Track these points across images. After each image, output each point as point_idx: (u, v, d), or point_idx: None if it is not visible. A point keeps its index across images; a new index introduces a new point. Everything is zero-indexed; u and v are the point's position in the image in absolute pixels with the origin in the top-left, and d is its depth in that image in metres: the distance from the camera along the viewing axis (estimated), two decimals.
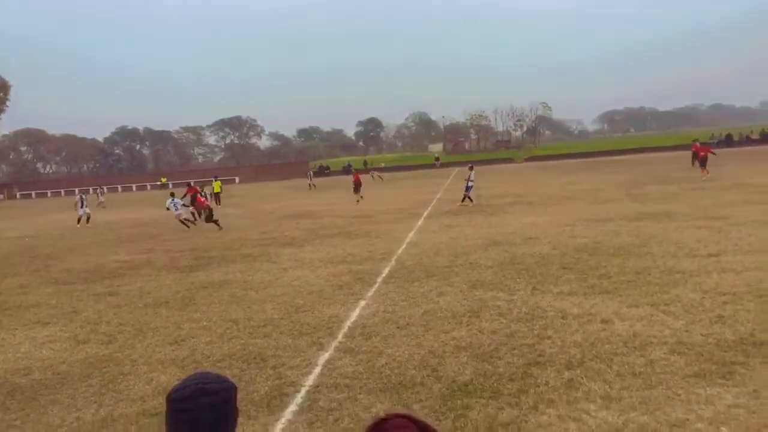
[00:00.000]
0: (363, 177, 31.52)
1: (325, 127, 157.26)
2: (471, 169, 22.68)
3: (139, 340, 7.41)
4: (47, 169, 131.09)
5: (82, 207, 24.72)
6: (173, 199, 21.00)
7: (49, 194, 74.67)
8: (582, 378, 5.16)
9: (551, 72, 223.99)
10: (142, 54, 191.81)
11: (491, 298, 8.14)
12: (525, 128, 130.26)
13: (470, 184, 21.75)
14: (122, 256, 15.00)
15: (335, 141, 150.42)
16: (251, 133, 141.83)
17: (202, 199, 21.12)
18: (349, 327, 7.30)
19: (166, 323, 8.15)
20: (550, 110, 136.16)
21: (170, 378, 6.02)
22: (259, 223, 20.79)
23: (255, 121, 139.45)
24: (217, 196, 32.20)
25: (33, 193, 76.68)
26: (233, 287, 10.18)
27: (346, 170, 75.89)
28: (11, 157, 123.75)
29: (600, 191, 23.72)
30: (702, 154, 27.54)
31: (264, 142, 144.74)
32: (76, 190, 33.06)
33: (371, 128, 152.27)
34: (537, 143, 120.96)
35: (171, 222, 21.85)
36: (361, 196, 28.26)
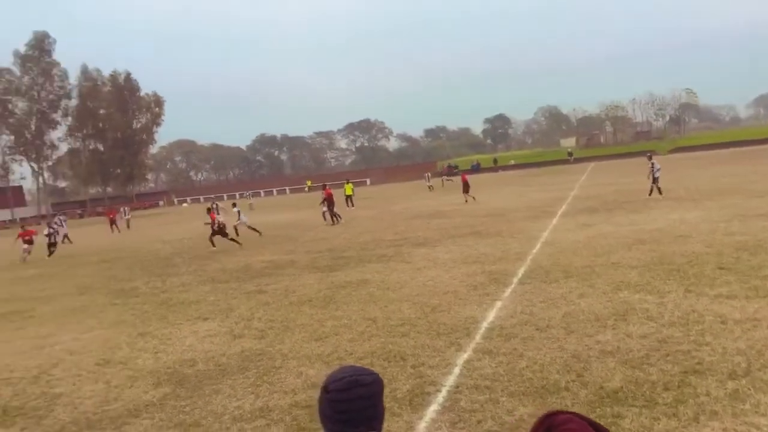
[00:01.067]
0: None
1: (452, 126, 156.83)
2: (650, 158, 21.62)
3: (287, 336, 7.88)
4: (199, 176, 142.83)
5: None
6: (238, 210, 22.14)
7: (201, 199, 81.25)
8: (749, 389, 4.75)
9: (691, 51, 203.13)
10: (277, 66, 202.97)
11: (638, 301, 7.71)
12: (667, 117, 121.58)
13: (656, 174, 20.68)
14: (267, 256, 16.01)
15: (462, 140, 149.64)
16: (380, 136, 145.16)
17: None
18: (486, 328, 7.26)
19: (310, 320, 8.59)
20: (696, 96, 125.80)
21: (317, 372, 6.34)
22: (391, 224, 21.23)
23: (383, 123, 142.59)
24: (349, 198, 33.19)
25: (188, 198, 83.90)
26: (370, 287, 10.49)
27: (474, 168, 75.24)
28: (168, 166, 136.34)
29: (757, 183, 21.57)
30: None
31: (392, 144, 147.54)
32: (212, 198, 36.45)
33: (499, 125, 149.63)
34: (682, 133, 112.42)
35: (309, 224, 22.94)
36: (473, 197, 27.88)
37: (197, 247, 20.43)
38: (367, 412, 1.58)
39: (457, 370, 5.94)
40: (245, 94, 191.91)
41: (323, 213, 24.75)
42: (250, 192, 56.65)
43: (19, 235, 23.04)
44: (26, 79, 73.48)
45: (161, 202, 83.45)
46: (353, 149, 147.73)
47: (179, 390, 6.28)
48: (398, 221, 22.15)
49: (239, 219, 22.21)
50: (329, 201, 23.93)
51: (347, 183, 35.29)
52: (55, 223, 28.40)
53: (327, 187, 25.29)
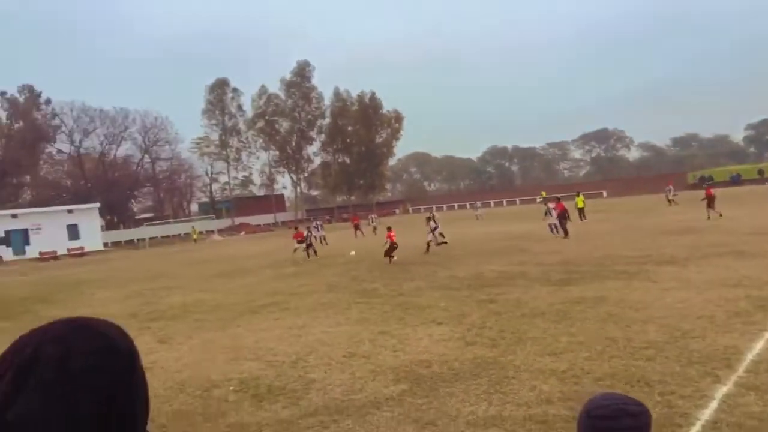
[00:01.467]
0: None
1: (705, 133, 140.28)
2: None
3: (519, 348, 7.79)
4: (431, 186, 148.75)
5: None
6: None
7: (434, 208, 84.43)
8: None
9: None
10: (508, 78, 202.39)
11: None
12: None
13: None
14: (498, 266, 16.02)
15: (719, 148, 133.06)
16: (618, 145, 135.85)
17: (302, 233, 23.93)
18: (751, 360, 6.36)
19: (543, 334, 8.38)
20: None
21: (551, 388, 6.17)
22: (631, 239, 19.75)
23: (623, 132, 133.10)
24: (581, 211, 31.74)
25: (421, 207, 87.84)
26: (608, 305, 9.88)
27: (734, 181, 66.51)
28: (404, 177, 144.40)
29: None
30: None
31: (633, 154, 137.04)
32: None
33: (765, 131, 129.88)
34: None
35: (539, 235, 22.43)
36: (719, 213, 24.38)
37: (430, 254, 21.25)
38: None
39: (714, 404, 5.30)
40: (478, 107, 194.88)
41: (550, 225, 24.04)
42: (479, 203, 57.11)
43: (294, 237, 27.44)
44: (290, 102, 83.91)
45: (397, 210, 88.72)
46: (588, 160, 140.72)
47: (416, 388, 6.60)
48: (639, 236, 20.52)
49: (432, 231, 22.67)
50: (562, 214, 23.19)
51: (578, 195, 33.76)
52: (314, 227, 33.02)
53: (560, 201, 24.58)
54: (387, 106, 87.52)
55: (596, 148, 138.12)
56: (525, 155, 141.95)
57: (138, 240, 64.40)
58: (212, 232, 69.35)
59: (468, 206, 49.71)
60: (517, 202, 78.40)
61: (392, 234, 20.86)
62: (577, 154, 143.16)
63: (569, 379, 6.42)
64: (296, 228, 29.44)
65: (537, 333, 8.47)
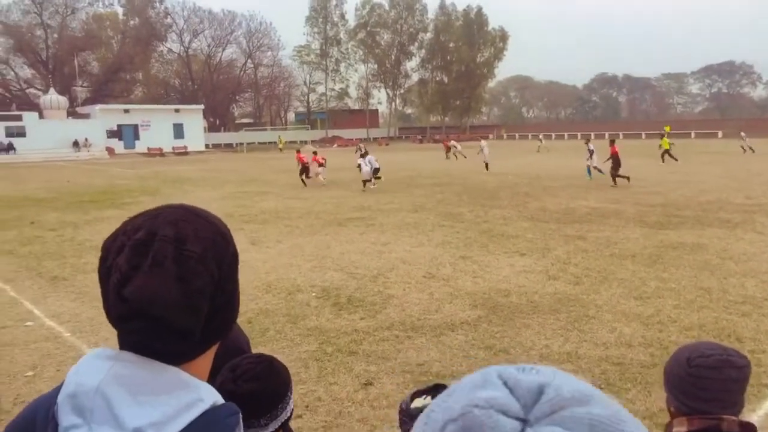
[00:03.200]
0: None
1: None
2: None
3: (604, 288, 7.59)
4: (530, 113, 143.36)
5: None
6: (367, 158, 20.96)
7: (529, 137, 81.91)
8: None
9: None
10: None
11: None
12: None
13: None
14: (591, 202, 15.44)
15: None
16: (744, 81, 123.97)
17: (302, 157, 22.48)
18: None
19: (631, 276, 8.10)
20: None
21: (633, 332, 6.01)
22: (744, 185, 18.35)
23: (751, 67, 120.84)
24: (667, 153, 28.99)
25: (516, 134, 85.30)
26: (707, 253, 9.35)
27: None
28: (502, 101, 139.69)
29: None
30: None
31: (759, 92, 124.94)
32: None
33: None
34: None
35: (639, 173, 21.29)
36: None
37: (520, 184, 20.77)
38: (734, 396, 1.44)
39: None
40: (588, 29, 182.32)
41: (588, 167, 22.11)
42: (541, 135, 52.07)
43: (313, 159, 23.78)
44: (393, 13, 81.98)
45: (491, 135, 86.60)
46: (707, 95, 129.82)
47: (492, 316, 6.62)
48: (754, 183, 19.04)
49: (590, 160, 21.42)
50: (615, 159, 20.71)
51: (662, 138, 31.06)
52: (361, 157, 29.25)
53: (614, 143, 21.43)
54: (493, 23, 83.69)
55: (718, 83, 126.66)
56: (636, 86, 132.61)
57: (236, 144, 66.90)
58: (305, 142, 70.89)
59: (540, 138, 45.93)
60: (620, 135, 74.35)
61: (301, 156, 22.43)
62: (695, 88, 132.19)
63: (653, 325, 6.23)
64: (297, 150, 25.12)
65: (625, 275, 8.20)
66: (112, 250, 0.87)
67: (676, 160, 27.80)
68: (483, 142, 28.42)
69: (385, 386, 4.97)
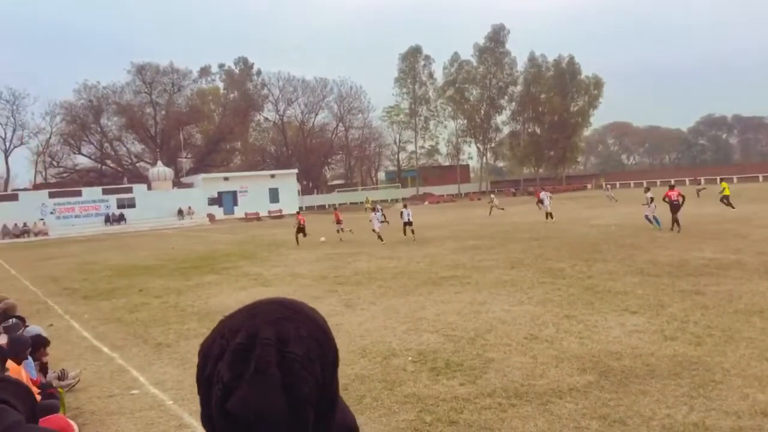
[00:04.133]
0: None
1: None
2: None
3: (730, 349, 6.82)
4: (630, 160, 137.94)
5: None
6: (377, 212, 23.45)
7: (632, 185, 78.54)
8: None
9: None
10: (727, 34, 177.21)
11: None
12: None
13: None
14: (707, 253, 14.28)
15: None
16: None
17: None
18: None
19: (761, 335, 7.26)
20: None
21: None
22: None
23: None
24: (726, 199, 27.00)
25: (617, 183, 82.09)
26: None
27: None
28: (599, 149, 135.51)
29: None
30: None
31: None
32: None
33: None
34: None
35: (761, 220, 19.60)
36: None
37: (626, 235, 19.68)
38: None
39: None
40: (689, 70, 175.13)
41: (646, 216, 21.44)
42: (608, 185, 49.78)
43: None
44: (481, 69, 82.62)
45: (589, 185, 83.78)
46: None
47: (603, 381, 6.07)
48: None
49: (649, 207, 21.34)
50: (673, 204, 19.68)
51: (723, 182, 28.94)
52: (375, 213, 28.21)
53: (673, 187, 20.56)
54: (586, 71, 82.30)
55: None
56: (748, 126, 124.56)
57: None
58: (397, 200, 71.69)
59: (607, 187, 44.17)
60: (734, 179, 69.73)
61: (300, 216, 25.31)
62: None
63: None
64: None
65: (753, 333, 7.36)
66: (211, 356, 0.82)
67: (733, 207, 25.55)
68: (543, 194, 28.91)
69: None
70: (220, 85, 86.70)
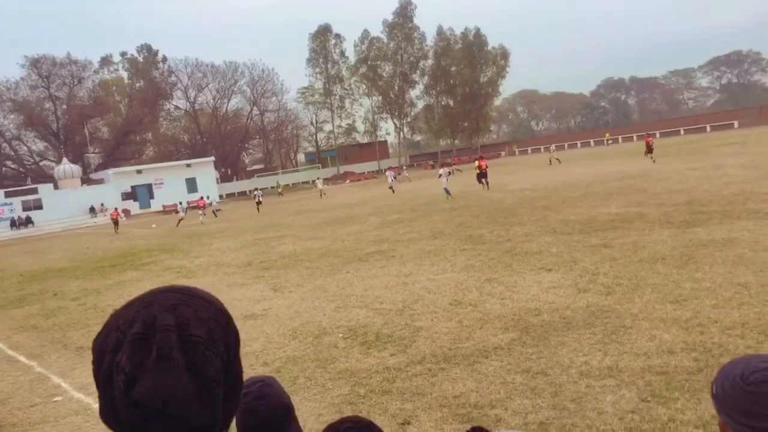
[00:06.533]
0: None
1: None
2: None
3: (637, 295, 7.34)
4: (539, 126, 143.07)
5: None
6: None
7: (541, 150, 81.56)
8: None
9: None
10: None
11: None
12: None
13: None
14: (612, 209, 15.16)
15: None
16: (753, 69, 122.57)
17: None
18: None
19: (664, 280, 7.84)
20: None
21: (674, 338, 5.78)
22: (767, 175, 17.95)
23: (759, 54, 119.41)
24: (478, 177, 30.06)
25: (529, 149, 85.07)
26: (740, 247, 9.05)
27: None
28: (510, 117, 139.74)
29: None
30: None
31: None
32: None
33: None
34: None
35: (660, 174, 20.93)
36: None
37: (537, 198, 20.54)
38: None
39: None
40: (591, 36, 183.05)
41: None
42: (553, 146, 52.09)
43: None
44: (392, 45, 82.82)
45: (503, 153, 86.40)
46: (717, 87, 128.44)
47: (525, 337, 6.40)
48: None
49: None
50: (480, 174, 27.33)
51: (476, 160, 31.70)
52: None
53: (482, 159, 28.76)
54: (492, 42, 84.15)
55: (727, 74, 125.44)
56: (644, 86, 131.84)
57: (249, 191, 67.54)
58: (317, 181, 71.38)
59: (552, 149, 46.43)
60: (634, 138, 73.78)
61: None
62: (704, 81, 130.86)
63: (694, 328, 5.98)
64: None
65: (657, 279, 7.94)
66: (107, 350, 0.79)
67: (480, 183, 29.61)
68: (441, 170, 30.57)
69: (423, 424, 4.78)
70: (124, 74, 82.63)
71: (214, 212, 38.31)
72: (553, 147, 49.02)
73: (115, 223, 37.97)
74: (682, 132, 68.16)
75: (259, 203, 38.90)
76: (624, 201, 16.34)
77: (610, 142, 72.64)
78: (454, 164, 60.35)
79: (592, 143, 75.45)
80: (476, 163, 30.10)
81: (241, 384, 0.89)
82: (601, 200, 17.23)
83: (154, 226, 24.53)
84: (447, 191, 26.07)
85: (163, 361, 0.75)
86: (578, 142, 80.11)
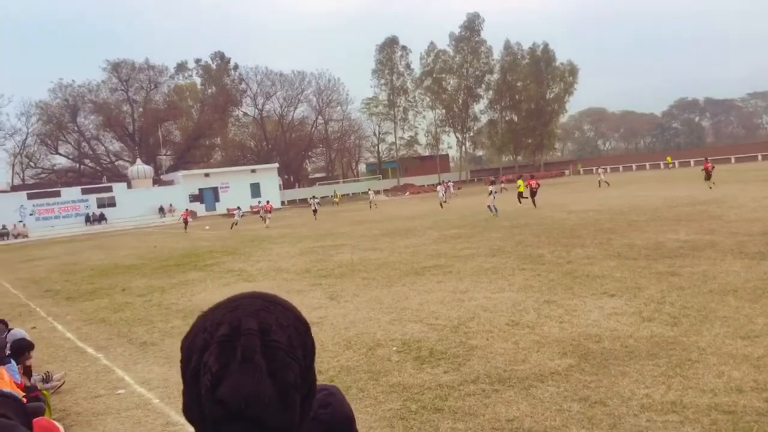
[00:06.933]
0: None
1: None
2: None
3: (705, 328, 7.02)
4: (606, 145, 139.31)
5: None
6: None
7: (608, 170, 79.34)
8: None
9: None
10: (702, 16, 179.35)
11: None
12: None
13: None
14: (682, 235, 14.58)
15: None
16: None
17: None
18: None
19: (735, 314, 7.47)
20: None
21: (743, 375, 5.48)
22: None
23: None
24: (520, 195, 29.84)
25: (593, 168, 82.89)
26: None
27: None
28: (576, 135, 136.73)
29: None
30: None
31: None
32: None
33: None
34: None
35: (735, 200, 20.01)
36: None
37: (602, 220, 19.98)
38: None
39: None
40: (664, 54, 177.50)
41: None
42: (600, 168, 50.53)
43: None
44: (458, 58, 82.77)
45: (567, 171, 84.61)
46: None
47: (584, 364, 6.22)
48: None
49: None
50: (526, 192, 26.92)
51: (519, 179, 32.36)
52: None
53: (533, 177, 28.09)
54: (561, 58, 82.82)
55: None
56: (719, 108, 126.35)
57: (310, 198, 68.71)
58: (378, 192, 71.73)
59: (599, 172, 45.09)
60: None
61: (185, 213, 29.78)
62: None
63: (766, 366, 5.66)
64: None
65: (727, 312, 7.57)
66: (194, 350, 0.84)
67: (520, 202, 30.00)
68: (439, 186, 33.05)
69: None
70: (198, 80, 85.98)
71: (262, 217, 39.67)
72: (601, 169, 47.66)
73: (185, 222, 40.65)
74: (759, 158, 65.03)
75: (315, 211, 39.84)
76: (695, 228, 15.69)
77: (671, 165, 70.07)
78: (503, 182, 60.13)
79: (661, 165, 72.76)
80: (518, 182, 30.74)
81: (315, 391, 0.93)
82: (670, 225, 16.60)
83: (207, 228, 25.39)
84: (491, 208, 25.87)
85: (247, 363, 0.80)
86: (647, 164, 77.51)
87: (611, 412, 5.01)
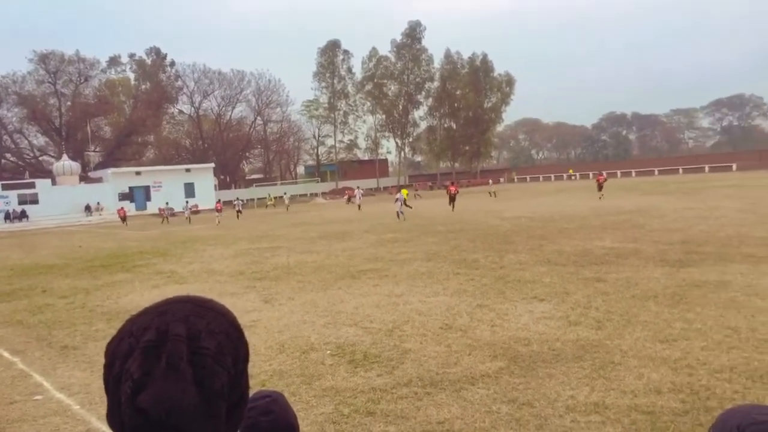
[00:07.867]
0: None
1: None
2: None
3: (627, 332, 7.32)
4: (540, 155, 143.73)
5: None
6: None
7: (540, 179, 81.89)
8: None
9: None
10: (628, 41, 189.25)
11: None
12: None
13: None
14: (608, 242, 15.20)
15: None
16: (755, 114, 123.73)
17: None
18: None
19: (655, 318, 7.83)
20: None
21: (661, 377, 5.75)
22: (765, 218, 18.03)
23: (761, 99, 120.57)
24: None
25: (527, 177, 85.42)
26: (732, 290, 9.06)
27: None
28: (511, 144, 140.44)
29: None
30: None
31: None
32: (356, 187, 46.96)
33: None
34: None
35: (658, 210, 21.00)
36: None
37: (534, 227, 20.58)
38: None
39: None
40: (594, 72, 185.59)
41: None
42: (490, 180, 56.54)
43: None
44: (399, 64, 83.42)
45: (502, 179, 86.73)
46: (718, 129, 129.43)
47: (513, 367, 6.37)
48: None
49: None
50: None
51: (402, 189, 35.89)
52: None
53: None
54: (499, 69, 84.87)
55: (728, 116, 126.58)
56: (645, 123, 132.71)
57: (247, 200, 67.52)
58: (316, 194, 71.36)
59: (489, 182, 49.25)
60: (633, 173, 74.19)
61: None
62: (705, 122, 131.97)
63: (682, 369, 5.95)
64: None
65: (648, 317, 7.93)
66: (118, 355, 0.80)
67: (410, 207, 32.04)
68: (356, 191, 35.11)
69: None
70: (131, 76, 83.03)
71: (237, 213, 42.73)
72: (490, 181, 54.08)
73: (123, 219, 42.84)
74: (680, 171, 68.61)
75: (239, 212, 42.46)
76: (620, 236, 16.38)
77: (573, 177, 74.61)
78: (417, 190, 62.57)
79: (590, 175, 75.77)
80: (403, 191, 33.01)
81: (247, 400, 0.89)
82: (597, 233, 17.27)
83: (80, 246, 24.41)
84: (399, 214, 28.46)
85: (172, 370, 0.76)
86: (552, 175, 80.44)
87: (538, 414, 5.15)
